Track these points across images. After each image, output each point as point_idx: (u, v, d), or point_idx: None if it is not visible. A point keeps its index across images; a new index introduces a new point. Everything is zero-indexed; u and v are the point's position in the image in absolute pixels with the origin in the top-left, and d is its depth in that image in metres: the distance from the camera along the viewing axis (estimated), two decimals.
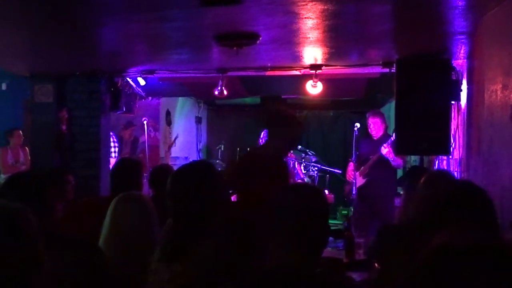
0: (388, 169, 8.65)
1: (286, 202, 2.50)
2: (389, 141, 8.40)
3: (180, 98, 13.33)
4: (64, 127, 8.71)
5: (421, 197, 4.22)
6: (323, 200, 2.57)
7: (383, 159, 8.50)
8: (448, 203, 2.60)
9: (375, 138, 8.80)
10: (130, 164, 5.51)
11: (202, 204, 2.78)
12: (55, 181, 5.30)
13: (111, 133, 9.89)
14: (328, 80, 8.64)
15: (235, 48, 6.40)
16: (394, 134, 8.14)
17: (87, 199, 5.48)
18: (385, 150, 8.38)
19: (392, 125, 8.82)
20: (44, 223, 2.91)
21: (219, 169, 10.68)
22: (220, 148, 12.07)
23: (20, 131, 11.22)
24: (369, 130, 8.83)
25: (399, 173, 11.44)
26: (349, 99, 12.95)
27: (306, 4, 5.05)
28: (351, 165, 9.03)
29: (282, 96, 13.01)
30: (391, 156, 8.49)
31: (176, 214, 2.91)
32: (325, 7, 5.16)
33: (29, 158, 10.29)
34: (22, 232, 2.13)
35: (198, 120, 14.38)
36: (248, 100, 13.68)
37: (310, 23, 5.72)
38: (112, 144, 9.98)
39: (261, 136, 8.93)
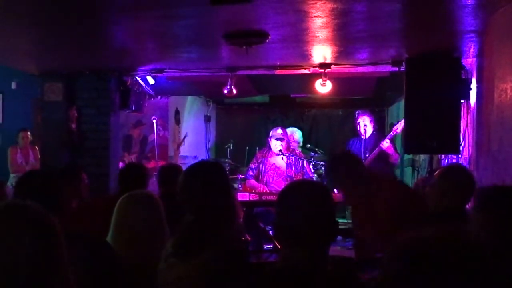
0: (386, 164, 8.70)
1: (293, 202, 2.49)
2: (390, 135, 8.42)
3: (189, 97, 13.34)
4: (73, 126, 8.73)
5: (438, 190, 4.24)
6: (328, 197, 2.57)
7: (382, 155, 8.52)
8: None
9: (364, 138, 8.80)
10: (137, 170, 5.61)
11: (218, 199, 2.77)
12: (69, 179, 5.33)
13: None
14: (337, 79, 8.63)
15: (244, 46, 6.40)
16: (396, 126, 8.17)
17: (96, 198, 5.52)
18: (386, 144, 8.39)
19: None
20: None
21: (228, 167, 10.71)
22: (229, 147, 12.04)
23: (27, 133, 11.25)
24: (359, 129, 8.84)
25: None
26: (358, 97, 12.94)
27: (316, 3, 5.05)
28: None
29: (291, 95, 13.02)
30: (391, 151, 8.51)
31: (195, 210, 2.91)
32: (335, 5, 5.16)
33: (39, 157, 10.32)
34: (51, 233, 2.14)
35: (207, 119, 14.37)
36: (257, 98, 13.68)
37: (319, 21, 5.72)
38: None
39: (270, 135, 8.91)
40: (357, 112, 9.11)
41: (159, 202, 3.64)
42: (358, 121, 8.88)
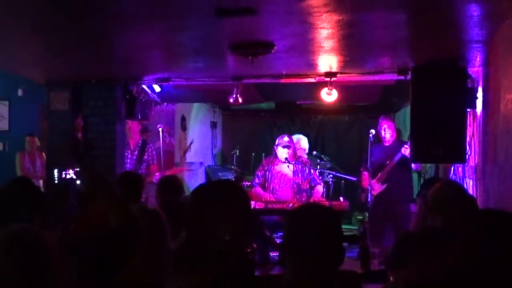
0: (407, 171, 8.64)
1: (302, 225, 2.52)
2: (409, 142, 8.37)
3: (195, 103, 13.35)
4: (79, 135, 8.75)
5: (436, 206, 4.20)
6: (336, 222, 2.60)
7: (402, 161, 8.44)
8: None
9: (387, 144, 8.76)
10: (132, 178, 5.67)
11: (212, 223, 2.75)
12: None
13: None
14: (343, 86, 8.62)
15: (250, 57, 6.40)
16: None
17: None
18: (407, 150, 8.31)
19: (407, 130, 8.79)
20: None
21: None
22: (235, 153, 12.05)
23: (34, 138, 11.32)
24: (382, 135, 8.77)
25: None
26: (365, 104, 12.94)
27: (321, 15, 5.06)
28: (365, 173, 8.96)
29: (297, 102, 13.02)
30: None
31: (188, 228, 2.90)
32: (340, 17, 5.17)
33: (45, 164, 10.38)
34: (38, 255, 2.16)
35: (213, 125, 14.38)
36: (264, 105, 13.69)
37: (325, 32, 5.73)
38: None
39: (276, 143, 8.91)
40: (380, 118, 9.04)
41: (163, 217, 3.63)
42: (382, 127, 8.79)
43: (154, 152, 9.88)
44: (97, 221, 3.60)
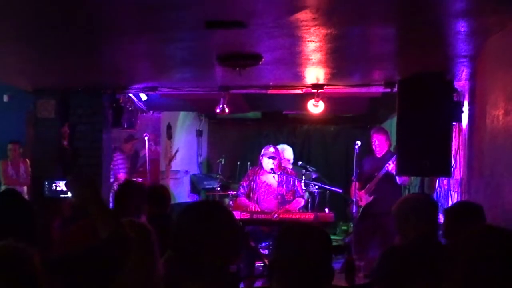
0: (394, 185, 8.53)
1: (293, 245, 2.53)
2: (394, 157, 8.35)
3: (181, 111, 13.32)
4: (65, 143, 8.71)
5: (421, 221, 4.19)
6: (325, 243, 2.61)
7: (389, 175, 8.38)
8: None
9: (378, 156, 8.70)
10: (133, 188, 5.52)
11: (201, 245, 2.74)
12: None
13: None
14: (330, 97, 8.62)
15: (238, 68, 6.41)
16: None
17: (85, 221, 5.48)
18: (390, 166, 8.27)
19: (393, 141, 8.78)
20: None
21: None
22: (221, 161, 12.05)
23: (16, 145, 11.21)
24: (373, 147, 8.72)
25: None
26: (351, 114, 12.98)
27: (309, 28, 5.07)
28: (354, 184, 8.91)
29: (284, 112, 13.04)
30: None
31: (175, 251, 2.89)
32: (328, 31, 5.18)
33: (30, 171, 10.32)
34: (25, 274, 2.15)
35: (199, 134, 14.37)
36: (250, 114, 13.70)
37: (313, 45, 5.75)
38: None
39: (262, 153, 8.89)
40: (372, 130, 8.99)
41: (152, 234, 3.61)
42: (373, 139, 8.72)
43: (121, 161, 9.87)
44: (85, 237, 3.59)
